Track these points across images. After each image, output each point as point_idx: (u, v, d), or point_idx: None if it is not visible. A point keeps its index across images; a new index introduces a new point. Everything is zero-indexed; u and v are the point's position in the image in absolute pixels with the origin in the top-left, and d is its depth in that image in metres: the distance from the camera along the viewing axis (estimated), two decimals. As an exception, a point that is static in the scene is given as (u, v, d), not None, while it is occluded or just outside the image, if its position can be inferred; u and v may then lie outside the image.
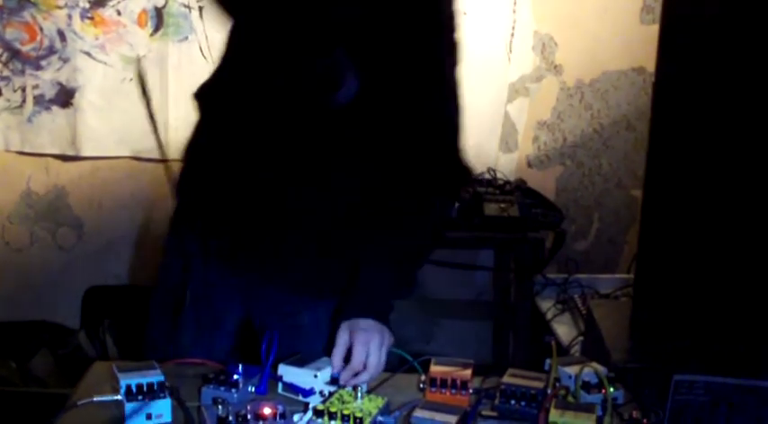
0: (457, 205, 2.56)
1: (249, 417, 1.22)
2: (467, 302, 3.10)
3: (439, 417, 1.27)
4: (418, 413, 1.29)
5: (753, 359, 1.62)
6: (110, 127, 2.80)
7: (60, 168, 2.88)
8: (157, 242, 1.82)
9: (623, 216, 3.13)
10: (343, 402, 1.30)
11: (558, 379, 1.40)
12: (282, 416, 1.23)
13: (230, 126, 1.51)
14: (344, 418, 1.24)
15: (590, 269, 2.93)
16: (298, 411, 1.32)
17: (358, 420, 1.24)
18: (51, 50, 2.73)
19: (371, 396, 1.34)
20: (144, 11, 2.74)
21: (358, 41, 1.37)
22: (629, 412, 1.33)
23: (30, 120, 2.77)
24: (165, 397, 1.27)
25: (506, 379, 1.38)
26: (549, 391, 1.36)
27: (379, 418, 1.28)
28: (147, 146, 2.82)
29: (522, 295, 2.70)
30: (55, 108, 2.77)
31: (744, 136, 1.75)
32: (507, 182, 2.77)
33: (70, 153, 2.81)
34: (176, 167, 1.65)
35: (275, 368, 1.40)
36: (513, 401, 1.35)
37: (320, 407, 1.27)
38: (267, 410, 1.22)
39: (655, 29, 1.85)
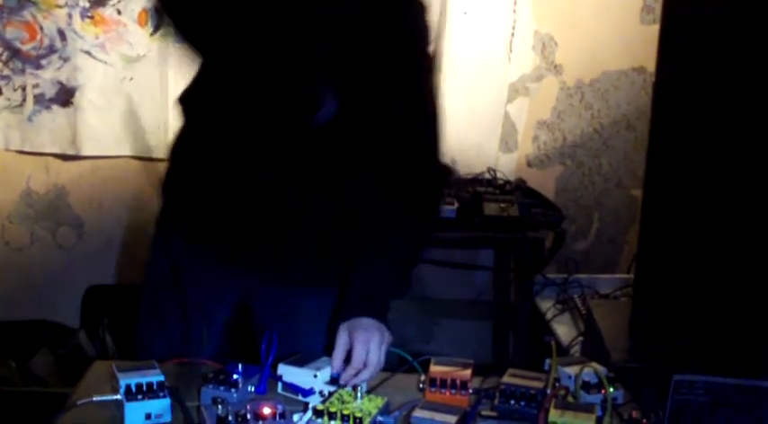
0: (456, 205, 2.57)
1: (249, 417, 1.22)
2: (467, 302, 3.09)
3: (439, 417, 1.27)
4: (418, 413, 1.29)
5: (753, 359, 1.62)
6: (110, 126, 2.79)
7: (60, 167, 2.87)
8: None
9: (623, 216, 3.12)
10: (342, 402, 1.30)
11: (557, 379, 1.40)
12: (282, 416, 1.23)
13: (212, 131, 1.53)
14: (344, 418, 1.24)
15: (590, 269, 2.93)
16: (297, 411, 1.32)
17: (358, 420, 1.24)
18: (51, 49, 2.72)
19: (371, 396, 1.34)
20: (144, 10, 2.73)
21: (335, 63, 1.39)
22: (628, 412, 1.33)
23: (30, 120, 2.76)
24: (164, 397, 1.27)
25: (506, 379, 1.39)
26: (548, 391, 1.36)
27: (379, 418, 1.28)
28: (148, 146, 2.82)
29: (522, 295, 2.70)
30: (55, 107, 2.76)
31: (744, 136, 1.75)
32: (507, 182, 2.77)
33: (70, 152, 2.81)
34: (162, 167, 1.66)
35: (275, 368, 1.40)
36: (512, 402, 1.35)
37: (320, 407, 1.27)
38: (267, 410, 1.22)
39: (655, 29, 1.85)
